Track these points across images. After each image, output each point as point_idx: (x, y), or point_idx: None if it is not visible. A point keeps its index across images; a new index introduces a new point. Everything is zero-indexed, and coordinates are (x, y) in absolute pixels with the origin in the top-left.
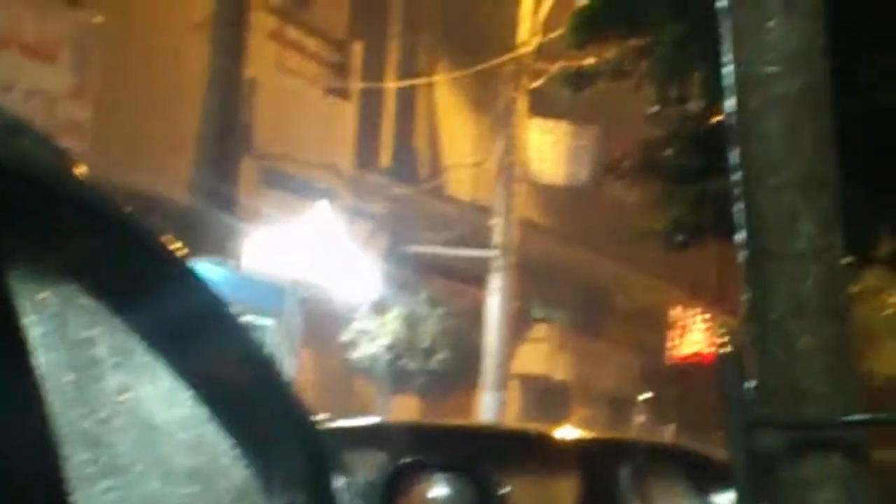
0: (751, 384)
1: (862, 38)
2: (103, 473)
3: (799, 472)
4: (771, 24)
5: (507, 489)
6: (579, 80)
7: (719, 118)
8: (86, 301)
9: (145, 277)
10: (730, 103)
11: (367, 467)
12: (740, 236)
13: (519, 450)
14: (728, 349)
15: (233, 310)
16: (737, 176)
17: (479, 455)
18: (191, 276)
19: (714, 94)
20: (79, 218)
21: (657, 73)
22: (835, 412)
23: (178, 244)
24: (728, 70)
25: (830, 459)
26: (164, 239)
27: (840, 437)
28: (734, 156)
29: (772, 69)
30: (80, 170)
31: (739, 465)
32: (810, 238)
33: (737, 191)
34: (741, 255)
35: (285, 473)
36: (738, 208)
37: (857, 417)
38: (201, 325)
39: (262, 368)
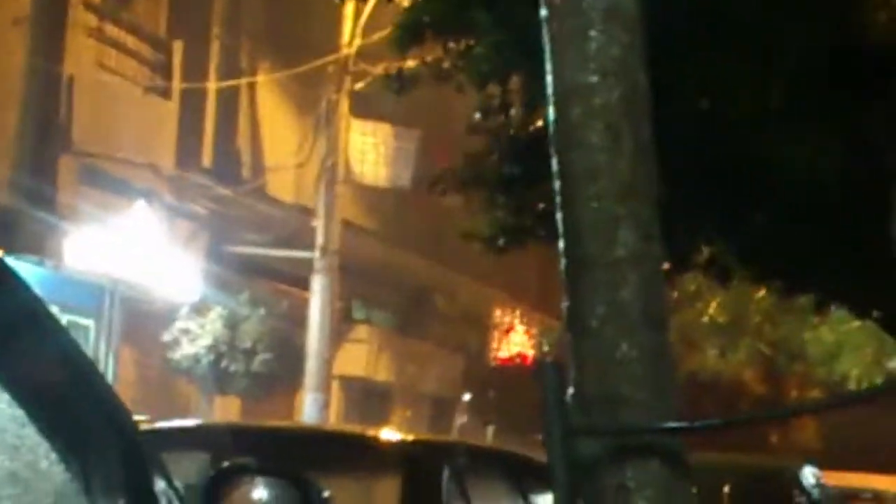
0: (570, 391)
1: (681, 46)
2: None
3: (618, 479)
4: (591, 33)
5: (328, 493)
6: (401, 82)
7: (538, 125)
8: None
9: None
10: (550, 112)
11: (187, 470)
12: (561, 244)
13: (341, 452)
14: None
15: (51, 310)
16: (557, 185)
17: (301, 458)
18: (8, 276)
19: (533, 101)
20: None
21: (474, 76)
22: (653, 419)
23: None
24: (548, 80)
25: (649, 465)
26: None
27: (659, 443)
28: (554, 164)
29: (592, 79)
30: None
31: (558, 471)
32: (629, 246)
33: (557, 199)
34: (561, 263)
35: (105, 476)
36: (559, 217)
37: (674, 424)
38: (19, 326)
39: (80, 370)
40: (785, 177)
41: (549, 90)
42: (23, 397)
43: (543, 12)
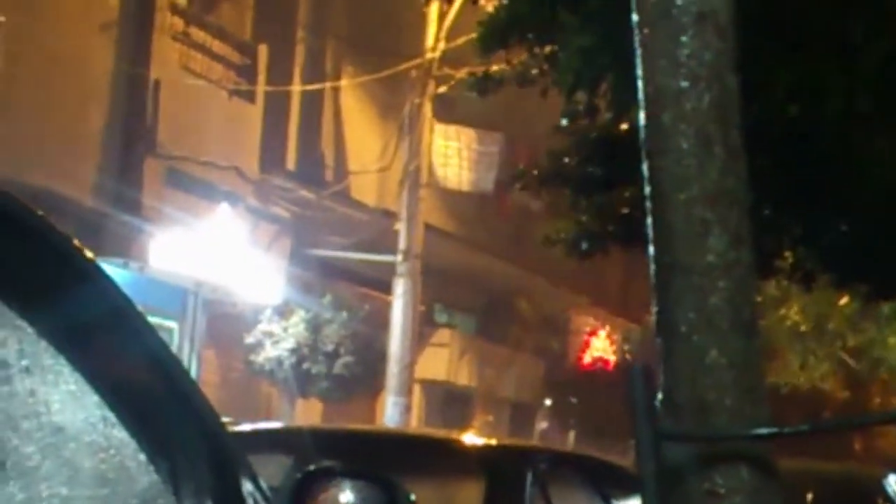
0: (659, 396)
1: (771, 52)
2: (11, 476)
3: (707, 484)
4: (682, 38)
5: (413, 496)
6: (485, 85)
7: (624, 128)
8: None
9: (53, 280)
10: (641, 118)
11: (271, 473)
12: (650, 250)
13: (424, 456)
14: (629, 359)
15: (140, 312)
16: (647, 190)
17: (384, 461)
18: (98, 278)
19: (620, 104)
20: None
21: (563, 81)
22: (743, 425)
23: (84, 246)
24: (639, 85)
25: (739, 471)
26: (71, 241)
27: (748, 449)
28: (645, 169)
29: (683, 84)
30: None
31: (647, 476)
32: (719, 252)
33: (647, 205)
34: (651, 269)
35: (194, 478)
36: (648, 222)
37: (764, 430)
38: (108, 327)
39: (169, 371)
40: (870, 180)
41: (640, 95)
42: (112, 398)
43: (634, 17)
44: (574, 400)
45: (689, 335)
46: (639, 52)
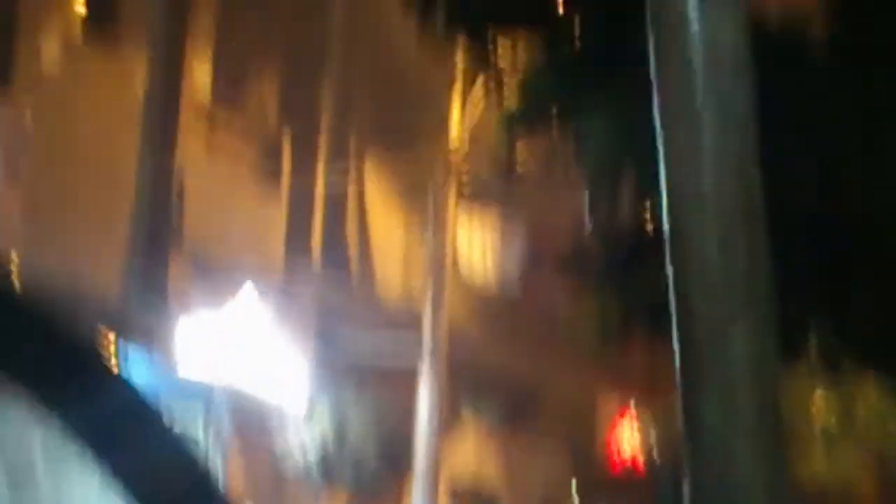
0: (686, 491)
1: (794, 146)
2: None
3: None
4: (705, 135)
5: None
6: (509, 175)
7: (648, 216)
8: (18, 407)
9: (79, 382)
10: (664, 212)
11: None
12: (675, 343)
13: None
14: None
15: (165, 413)
16: (671, 284)
17: None
18: (124, 380)
19: (643, 192)
20: (7, 322)
21: (586, 172)
22: None
23: (110, 341)
24: (661, 181)
25: None
26: (95, 340)
27: None
28: (668, 264)
29: (706, 182)
30: (12, 271)
31: None
32: (745, 345)
33: (671, 299)
34: (676, 363)
35: None
36: (673, 315)
37: None
38: (134, 430)
39: (194, 471)
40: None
41: (662, 187)
42: (136, 498)
43: (657, 118)
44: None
45: (715, 428)
46: (661, 146)
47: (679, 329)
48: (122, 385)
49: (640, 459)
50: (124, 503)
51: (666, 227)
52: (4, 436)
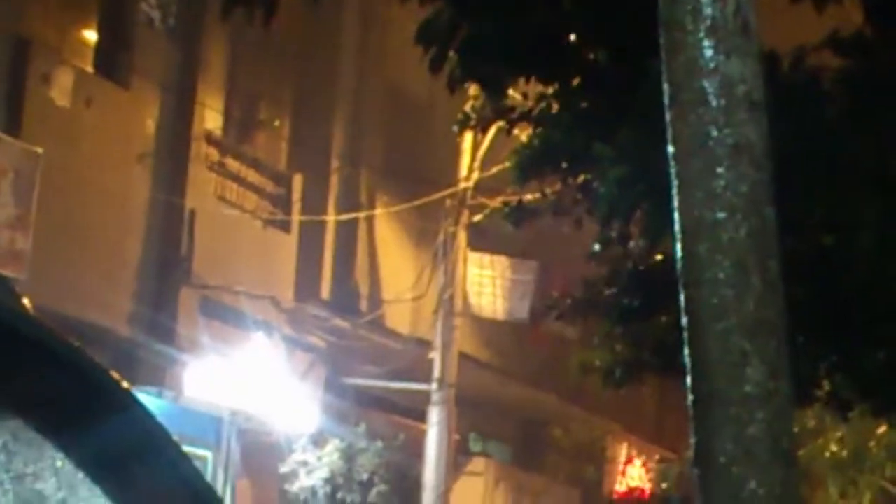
0: None
1: (806, 184)
2: None
3: None
4: (719, 170)
5: None
6: (519, 215)
7: (658, 258)
8: (31, 435)
9: (90, 411)
10: (677, 249)
11: None
12: (688, 380)
13: None
14: (666, 489)
15: (174, 442)
16: (684, 320)
17: None
18: (133, 408)
19: (655, 233)
20: (24, 351)
21: (599, 211)
22: None
23: (120, 376)
24: (675, 216)
25: None
26: (106, 371)
27: None
28: (682, 300)
29: (720, 215)
30: (24, 301)
31: None
32: (757, 383)
33: (684, 335)
34: (688, 400)
35: None
36: (685, 353)
37: None
38: (144, 458)
39: (203, 502)
40: None
41: (676, 226)
42: None
43: (670, 149)
44: None
45: (728, 466)
46: (675, 183)
47: (692, 366)
48: (136, 417)
49: (650, 497)
50: None
51: (679, 264)
52: (17, 463)
